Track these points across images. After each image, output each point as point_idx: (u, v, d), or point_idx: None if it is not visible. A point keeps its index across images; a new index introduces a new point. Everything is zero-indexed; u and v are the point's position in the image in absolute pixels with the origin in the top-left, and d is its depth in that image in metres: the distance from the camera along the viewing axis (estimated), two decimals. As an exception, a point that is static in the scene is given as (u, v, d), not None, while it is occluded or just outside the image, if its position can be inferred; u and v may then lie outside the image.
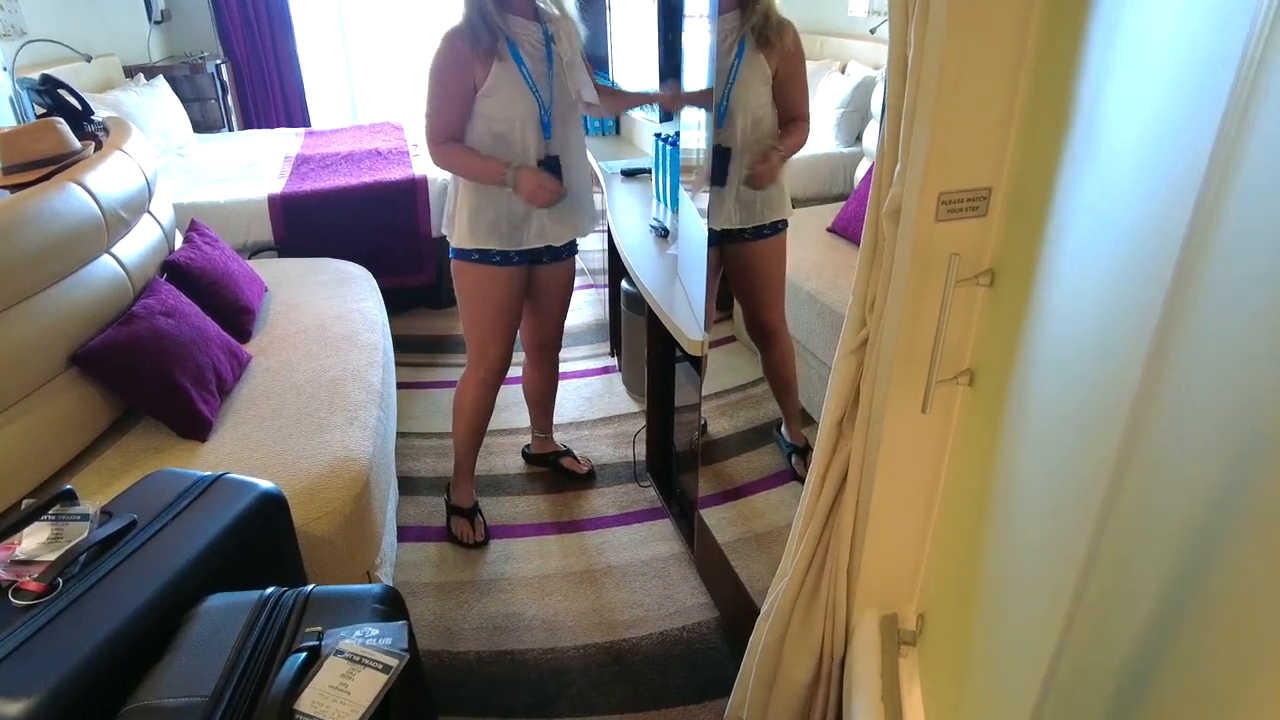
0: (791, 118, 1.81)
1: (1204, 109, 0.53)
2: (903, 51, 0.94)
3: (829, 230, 2.33)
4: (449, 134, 1.89)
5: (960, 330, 1.03)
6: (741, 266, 2.02)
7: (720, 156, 1.80)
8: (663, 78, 2.74)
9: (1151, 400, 0.57)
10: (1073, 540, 0.68)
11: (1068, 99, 0.82)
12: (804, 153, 2.23)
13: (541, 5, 1.89)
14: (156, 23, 4.97)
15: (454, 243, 2.01)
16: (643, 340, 2.43)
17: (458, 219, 1.99)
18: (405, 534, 2.27)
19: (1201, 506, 0.52)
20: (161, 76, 4.53)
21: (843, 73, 2.47)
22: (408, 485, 2.49)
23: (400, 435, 2.63)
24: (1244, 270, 0.49)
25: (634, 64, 3.20)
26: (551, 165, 1.94)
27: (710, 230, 1.84)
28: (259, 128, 5.31)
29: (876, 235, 1.03)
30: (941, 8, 0.87)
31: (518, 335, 2.21)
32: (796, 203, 2.02)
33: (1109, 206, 0.72)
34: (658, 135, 2.59)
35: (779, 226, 1.94)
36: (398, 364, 2.66)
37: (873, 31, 2.26)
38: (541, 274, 2.13)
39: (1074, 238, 0.80)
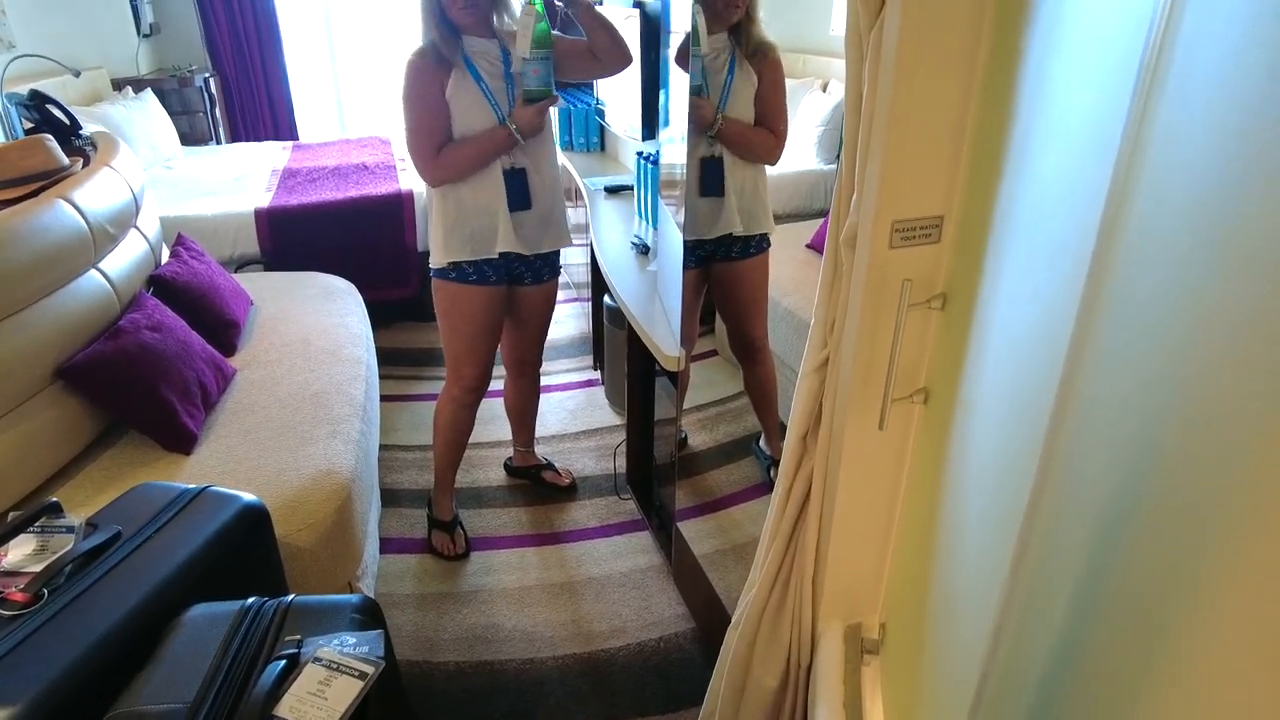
0: (768, 130, 1.88)
1: (1103, 153, 0.58)
2: (858, 89, 0.99)
3: (808, 246, 2.38)
4: (437, 147, 1.91)
5: (915, 351, 1.08)
6: (727, 284, 2.07)
7: (713, 167, 1.86)
8: (646, 95, 2.80)
9: (1062, 422, 0.62)
10: (1004, 552, 0.73)
11: (1005, 133, 0.88)
12: (785, 169, 2.28)
13: (497, 24, 1.92)
14: (145, 36, 5.00)
15: (432, 261, 2.04)
16: (624, 354, 2.48)
17: (433, 236, 2.02)
18: (387, 545, 2.30)
19: (1102, 520, 0.57)
20: (149, 89, 4.56)
21: (824, 91, 2.53)
22: (390, 497, 2.51)
23: (383, 448, 2.66)
24: (1134, 304, 0.54)
25: (618, 83, 3.26)
26: (518, 178, 1.96)
27: (694, 249, 1.89)
28: (246, 141, 5.34)
29: (836, 261, 1.09)
30: (893, 49, 0.92)
31: (498, 352, 2.24)
32: (777, 218, 2.08)
33: (1036, 235, 0.77)
34: (639, 153, 2.65)
35: (763, 244, 1.99)
36: (382, 376, 2.69)
37: (851, 52, 2.32)
38: (522, 295, 2.17)
39: (1011, 263, 0.85)
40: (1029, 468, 0.68)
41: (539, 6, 1.78)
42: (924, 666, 1.05)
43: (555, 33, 1.92)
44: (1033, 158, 0.79)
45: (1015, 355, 0.80)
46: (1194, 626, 0.49)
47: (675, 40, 2.39)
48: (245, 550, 1.31)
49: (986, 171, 0.94)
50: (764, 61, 1.78)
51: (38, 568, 1.14)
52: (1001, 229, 0.89)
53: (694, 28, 1.65)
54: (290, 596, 1.11)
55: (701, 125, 1.77)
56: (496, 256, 2.01)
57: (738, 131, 1.82)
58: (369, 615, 1.10)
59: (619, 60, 1.98)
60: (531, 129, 1.90)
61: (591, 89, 3.89)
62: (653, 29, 2.61)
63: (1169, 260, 0.50)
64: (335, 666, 0.95)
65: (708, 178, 1.85)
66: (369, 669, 0.95)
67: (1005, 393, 0.82)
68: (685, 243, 1.83)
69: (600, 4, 3.08)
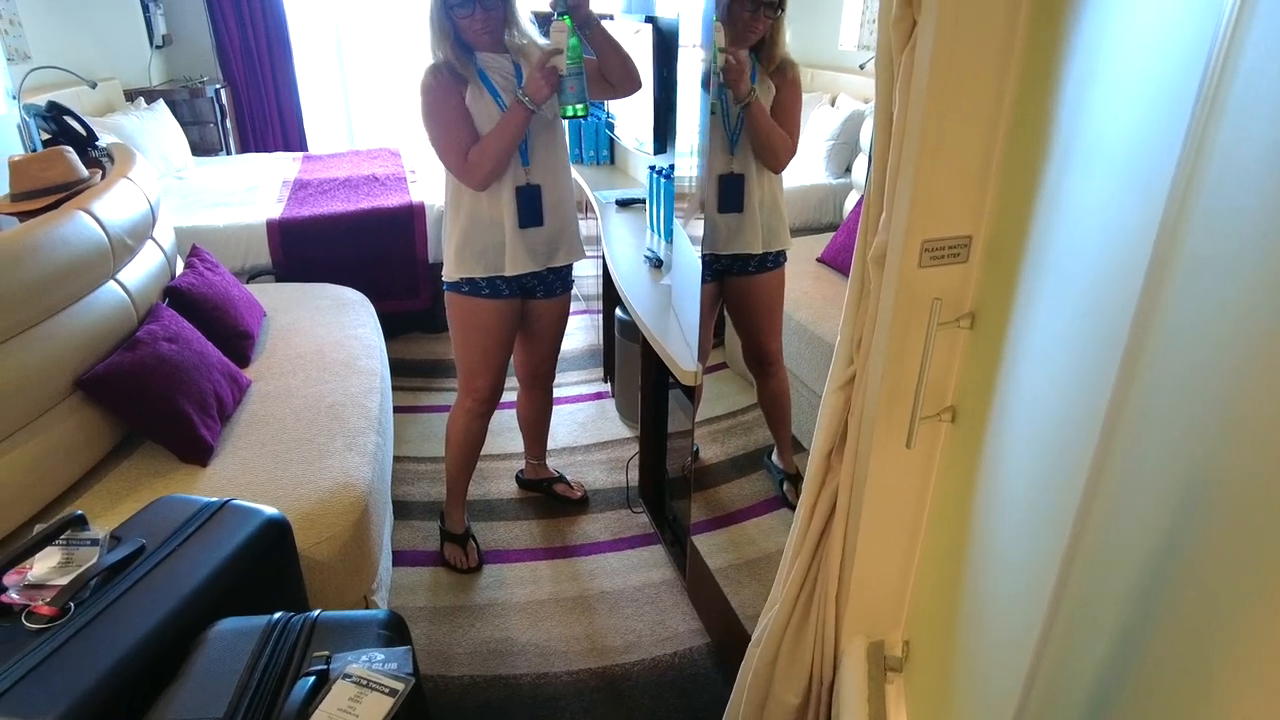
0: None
1: (1156, 177, 0.59)
2: (888, 110, 1.00)
3: (819, 260, 2.39)
4: (465, 153, 1.90)
5: (943, 370, 1.08)
6: (743, 298, 2.07)
7: (733, 183, 1.86)
8: (657, 109, 2.82)
9: (1112, 442, 0.62)
10: (1044, 571, 0.73)
11: (1039, 156, 0.88)
12: (795, 183, 2.29)
13: (508, 39, 1.93)
14: (158, 47, 5.04)
15: (445, 274, 2.05)
16: (636, 367, 2.48)
17: (447, 250, 2.03)
18: (400, 558, 2.30)
19: (1154, 542, 0.57)
20: (161, 100, 4.59)
21: (833, 105, 2.55)
22: (402, 509, 2.51)
23: (395, 459, 2.65)
24: (1189, 326, 0.54)
25: (629, 100, 3.28)
26: (531, 194, 1.97)
27: (711, 263, 1.88)
28: (256, 151, 5.36)
29: (863, 279, 1.09)
30: (924, 71, 0.93)
31: (510, 365, 2.24)
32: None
33: (1075, 257, 0.78)
34: (652, 168, 2.66)
35: (780, 259, 2.00)
36: (394, 388, 2.69)
37: (862, 67, 2.34)
38: (535, 308, 2.17)
39: (1046, 284, 0.86)
40: (1072, 493, 0.68)
41: (569, 22, 1.79)
42: (951, 686, 1.05)
43: None
44: (1070, 182, 0.79)
45: (1052, 378, 0.80)
46: (1250, 658, 0.49)
47: (686, 54, 2.40)
48: (268, 564, 1.31)
49: (1018, 193, 0.95)
50: (783, 78, 1.80)
51: (64, 581, 1.14)
52: (1034, 251, 0.89)
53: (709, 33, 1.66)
54: (316, 612, 1.11)
55: (737, 91, 1.73)
56: (513, 275, 2.02)
57: (764, 114, 1.79)
58: (395, 631, 1.10)
59: (629, 85, 1.99)
60: (540, 94, 1.85)
61: (602, 102, 3.91)
62: (665, 43, 2.63)
63: (1226, 290, 0.51)
64: (365, 683, 0.95)
65: (727, 194, 1.86)
66: (399, 686, 0.95)
67: (1042, 415, 0.82)
68: (702, 257, 1.84)
69: (610, 18, 3.10)
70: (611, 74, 1.94)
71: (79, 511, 1.23)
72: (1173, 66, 0.58)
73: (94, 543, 1.21)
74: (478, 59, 1.90)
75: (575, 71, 1.83)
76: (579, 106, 1.87)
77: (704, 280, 1.84)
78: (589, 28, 1.86)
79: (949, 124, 0.96)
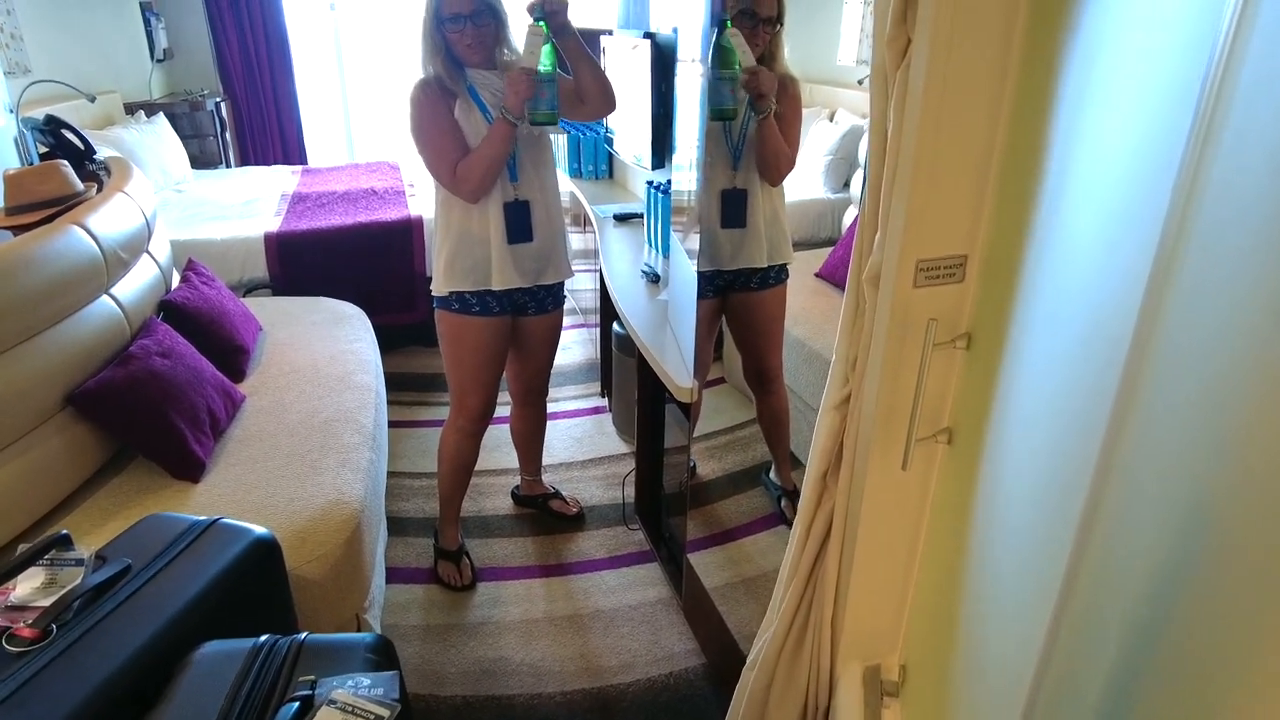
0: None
1: (1153, 199, 0.58)
2: (883, 128, 0.99)
3: (816, 275, 2.38)
4: (455, 166, 1.89)
5: (939, 391, 1.07)
6: (746, 314, 2.06)
7: (736, 199, 1.85)
8: (655, 124, 2.82)
9: (1111, 463, 0.61)
10: (1043, 596, 0.71)
11: (1035, 174, 0.87)
12: (793, 198, 2.29)
13: (499, 56, 1.92)
14: (159, 61, 5.06)
15: (434, 288, 2.03)
16: (633, 382, 2.47)
17: (436, 265, 2.02)
18: (394, 575, 2.28)
19: (1156, 564, 0.56)
20: (162, 113, 4.60)
21: (831, 120, 2.54)
22: (397, 525, 2.49)
23: (390, 475, 2.63)
24: (1188, 347, 0.53)
25: (626, 112, 3.28)
26: (520, 209, 1.95)
27: (712, 279, 1.87)
28: (256, 165, 5.37)
29: (858, 299, 1.08)
30: (919, 90, 0.92)
31: (503, 381, 2.23)
32: (784, 247, 2.07)
33: (1071, 277, 0.76)
34: (650, 183, 2.66)
35: (782, 275, 1.99)
36: (389, 402, 2.67)
37: (860, 82, 2.33)
38: (526, 324, 2.16)
39: (1043, 305, 0.85)
40: (1071, 516, 0.66)
41: (545, 28, 1.77)
42: (948, 711, 1.03)
43: None
44: (1067, 202, 0.78)
45: (1050, 400, 0.79)
46: (1256, 684, 0.48)
47: (684, 70, 2.40)
48: (256, 584, 1.29)
49: (1014, 212, 0.94)
50: (784, 92, 1.79)
51: (46, 602, 1.12)
52: (1031, 271, 0.88)
53: (712, 48, 1.66)
54: (303, 635, 1.09)
55: (764, 102, 1.72)
56: (502, 290, 2.01)
57: (775, 128, 1.76)
58: (383, 655, 1.08)
59: (602, 103, 1.96)
60: (513, 103, 1.82)
61: (601, 120, 3.91)
62: (663, 59, 2.63)
63: (1224, 311, 0.50)
64: (350, 709, 0.93)
65: (729, 210, 1.85)
66: (384, 713, 0.93)
67: (1039, 437, 0.81)
68: (703, 272, 1.82)
69: (610, 34, 3.11)
70: (585, 89, 1.92)
71: (64, 531, 1.21)
72: (1170, 86, 0.57)
73: (79, 563, 1.19)
74: (468, 75, 1.90)
75: (548, 78, 1.81)
76: (549, 113, 1.83)
77: (703, 295, 1.83)
78: (565, 36, 1.84)
79: (944, 142, 0.95)
